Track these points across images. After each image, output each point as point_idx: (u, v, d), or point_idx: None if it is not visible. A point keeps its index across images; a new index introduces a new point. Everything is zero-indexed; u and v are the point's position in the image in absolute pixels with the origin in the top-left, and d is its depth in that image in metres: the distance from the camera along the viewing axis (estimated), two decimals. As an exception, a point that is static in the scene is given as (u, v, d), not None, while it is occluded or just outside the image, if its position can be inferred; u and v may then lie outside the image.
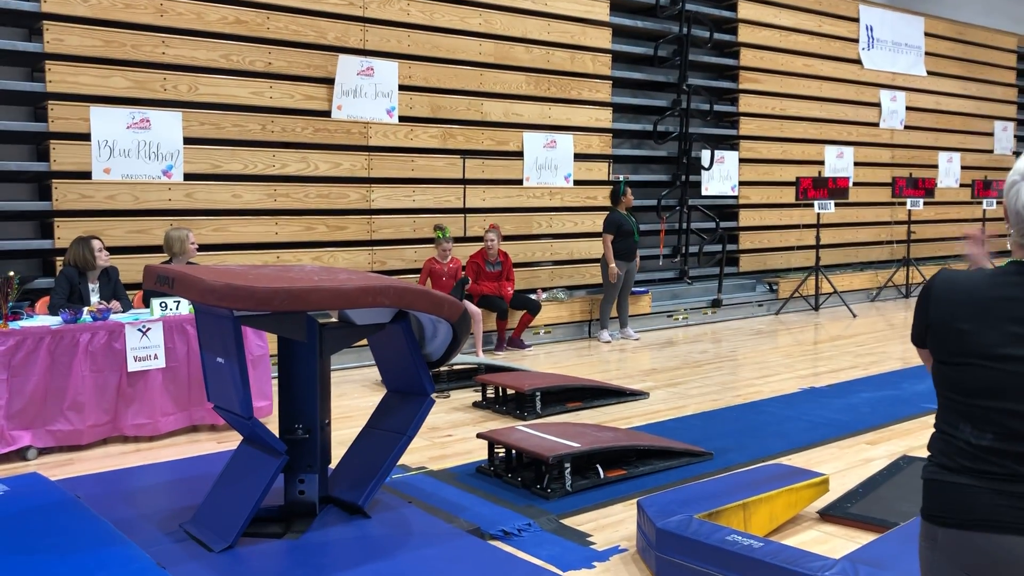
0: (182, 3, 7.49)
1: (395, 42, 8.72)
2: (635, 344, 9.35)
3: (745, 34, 11.87)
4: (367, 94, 8.52)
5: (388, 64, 8.62)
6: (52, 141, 6.97)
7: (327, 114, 8.34)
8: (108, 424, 5.50)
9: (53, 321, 5.41)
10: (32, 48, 6.98)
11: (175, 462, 4.98)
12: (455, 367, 7.28)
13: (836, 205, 11.83)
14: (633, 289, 9.86)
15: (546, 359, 8.47)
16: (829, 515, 4.21)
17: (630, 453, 4.99)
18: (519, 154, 9.65)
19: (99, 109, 7.11)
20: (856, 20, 13.32)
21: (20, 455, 5.17)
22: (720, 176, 11.48)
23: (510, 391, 6.41)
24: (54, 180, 6.99)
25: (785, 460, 5.00)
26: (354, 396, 6.82)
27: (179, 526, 3.83)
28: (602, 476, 4.73)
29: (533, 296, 9.24)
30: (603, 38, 10.35)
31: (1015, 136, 16.20)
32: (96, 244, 6.06)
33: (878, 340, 9.56)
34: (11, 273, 5.35)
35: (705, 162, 11.22)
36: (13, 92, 6.98)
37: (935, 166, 14.57)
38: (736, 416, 6.19)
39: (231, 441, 5.40)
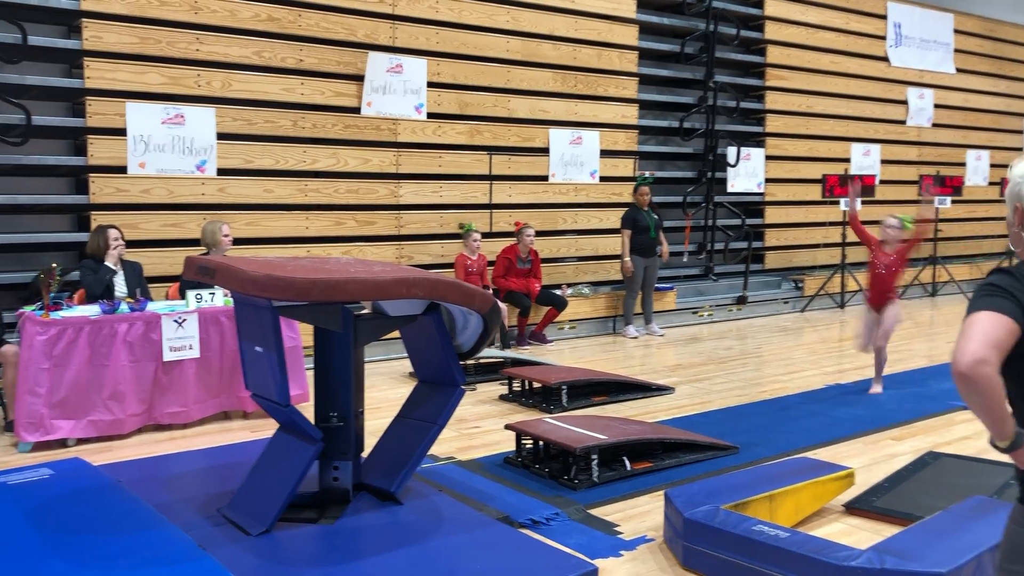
0: (216, 0, 7.62)
1: (424, 39, 8.81)
2: (660, 340, 9.39)
3: (772, 31, 11.87)
4: (396, 91, 8.62)
5: (417, 61, 8.72)
6: (89, 136, 7.12)
7: (357, 111, 8.45)
8: (145, 413, 5.63)
9: (92, 312, 5.54)
10: (71, 45, 7.13)
11: (211, 449, 5.10)
12: (481, 360, 7.37)
13: (862, 203, 11.79)
14: (658, 285, 9.90)
15: (571, 354, 8.53)
16: (855, 508, 4.25)
17: (656, 446, 5.05)
18: (545, 150, 9.71)
19: (135, 105, 7.26)
20: (884, 17, 13.27)
21: (61, 443, 5.31)
22: (746, 173, 11.49)
23: (537, 384, 6.48)
24: (91, 174, 7.14)
25: (810, 454, 5.04)
26: (383, 387, 6.93)
27: (217, 510, 3.94)
28: (629, 468, 4.79)
29: (558, 292, 9.31)
30: (630, 35, 10.39)
31: (1045, 134, 16.05)
32: (112, 233, 6.18)
33: (903, 338, 9.54)
34: (54, 265, 5.50)
35: (731, 159, 11.24)
36: (52, 88, 7.14)
37: (963, 164, 14.47)
38: (761, 411, 6.23)
39: (264, 429, 5.52)
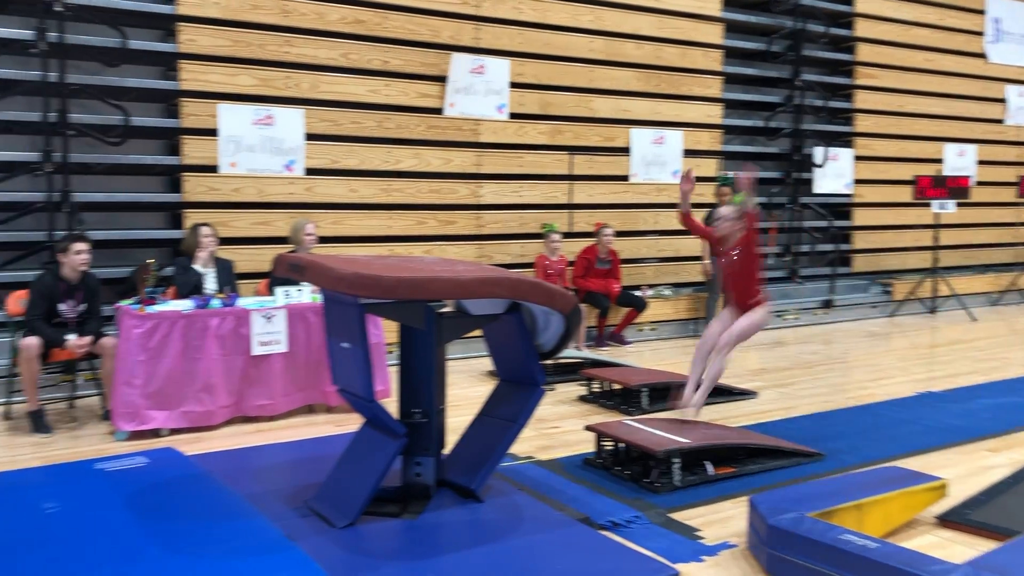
0: (305, 4, 7.79)
1: (507, 40, 8.84)
2: (743, 343, 9.21)
3: (862, 28, 11.54)
4: (479, 91, 8.68)
5: (500, 62, 8.76)
6: (183, 136, 7.36)
7: (439, 111, 8.54)
8: (233, 405, 5.80)
9: (185, 306, 5.73)
10: (167, 48, 7.38)
11: (297, 442, 5.22)
12: (560, 361, 7.36)
13: (957, 205, 11.38)
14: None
15: (651, 356, 8.45)
16: (948, 521, 4.10)
17: (739, 451, 4.97)
18: (626, 150, 9.65)
19: (227, 106, 7.47)
20: (982, 12, 12.76)
21: (154, 432, 5.50)
22: (833, 174, 11.20)
23: (617, 386, 6.44)
24: (184, 173, 7.38)
25: (900, 464, 4.88)
26: (463, 385, 6.98)
27: (304, 502, 4.03)
28: (711, 473, 4.72)
29: (638, 293, 9.23)
30: (715, 33, 10.24)
31: None
32: (204, 230, 6.39)
33: (1000, 345, 9.18)
34: (149, 260, 5.70)
35: (818, 159, 10.97)
36: (149, 90, 7.40)
37: (1066, 165, 13.82)
38: (848, 418, 6.07)
39: (347, 423, 5.62)
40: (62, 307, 5.73)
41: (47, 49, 6.69)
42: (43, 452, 5.19)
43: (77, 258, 5.72)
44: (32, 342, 5.49)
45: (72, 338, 5.60)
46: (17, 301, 5.92)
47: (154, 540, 3.48)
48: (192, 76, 7.37)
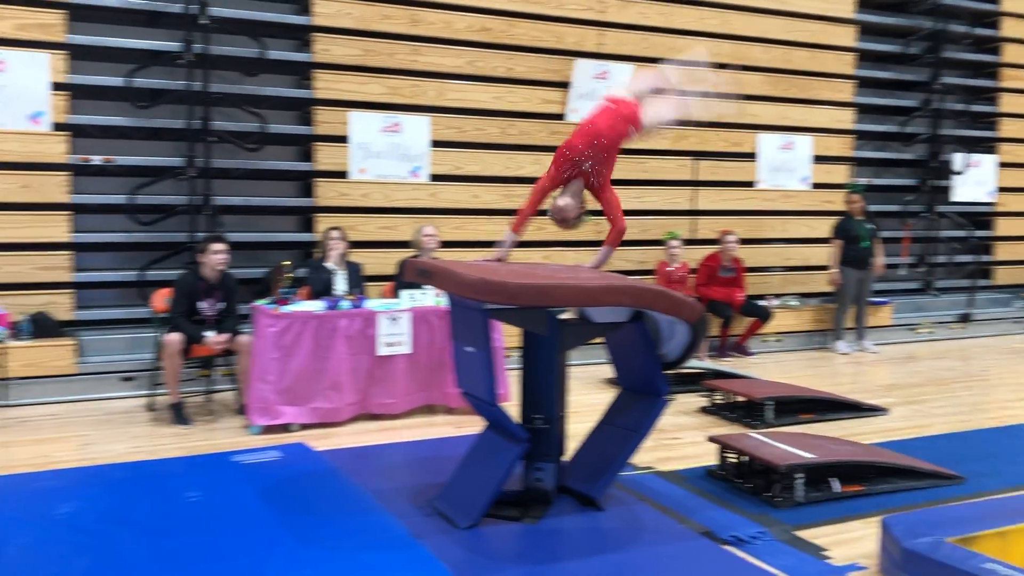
0: (433, 12, 7.96)
1: (632, 45, 8.79)
2: (873, 357, 8.88)
3: (1009, 28, 10.92)
4: (601, 97, 8.63)
5: (624, 67, 8.71)
6: (316, 143, 7.64)
7: (562, 117, 8.56)
8: (359, 402, 5.98)
9: (316, 307, 5.94)
10: (302, 58, 7.67)
11: (420, 442, 5.33)
12: (682, 370, 7.25)
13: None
14: (871, 299, 9.37)
15: (775, 368, 8.23)
16: (1103, 554, 3.83)
17: (868, 469, 4.78)
18: (753, 156, 9.43)
19: (357, 114, 7.71)
20: None
21: (285, 427, 5.73)
22: (974, 181, 10.64)
23: (740, 398, 6.31)
24: (316, 179, 7.66)
25: (1048, 491, 4.59)
26: (582, 392, 6.96)
27: (428, 502, 4.12)
28: (837, 490, 4.56)
29: (763, 303, 9.01)
30: (847, 36, 9.90)
31: None
32: (334, 233, 6.63)
33: None
34: (284, 262, 5.94)
35: (957, 166, 10.44)
36: (285, 98, 7.72)
37: None
38: (989, 439, 5.75)
39: (466, 425, 5.70)
40: (202, 305, 6.04)
41: (192, 60, 7.07)
42: (183, 443, 5.48)
43: (216, 258, 6.02)
44: (175, 338, 5.80)
45: (211, 335, 5.89)
46: (162, 299, 6.28)
47: (288, 532, 3.62)
48: (325, 85, 7.63)
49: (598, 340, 4.60)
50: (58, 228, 6.73)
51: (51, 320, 6.56)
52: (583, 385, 7.27)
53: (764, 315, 8.74)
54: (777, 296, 9.36)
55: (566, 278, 3.94)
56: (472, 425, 5.36)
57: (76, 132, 6.85)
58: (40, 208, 6.69)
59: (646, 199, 8.93)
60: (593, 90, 8.60)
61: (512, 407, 4.35)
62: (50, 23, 6.66)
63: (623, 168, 8.71)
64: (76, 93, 6.85)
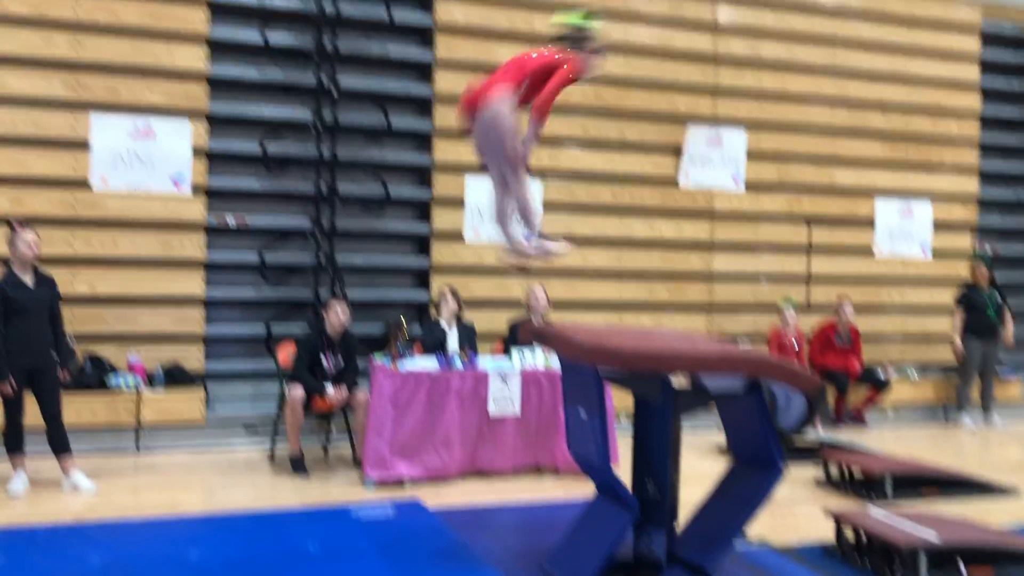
0: (549, 82, 8.18)
1: (745, 111, 8.82)
2: (1001, 433, 8.45)
3: None
4: (714, 162, 8.69)
5: (736, 133, 8.74)
6: (435, 206, 7.91)
7: (674, 182, 8.62)
8: (468, 460, 6.08)
9: (430, 365, 6.11)
10: (423, 126, 8.00)
11: (531, 506, 5.36)
12: (796, 440, 7.09)
13: None
14: (1000, 372, 8.96)
15: (893, 441, 7.93)
16: None
17: (1000, 553, 4.55)
18: (870, 222, 9.25)
19: (473, 178, 7.96)
20: None
21: (397, 483, 5.86)
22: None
23: (857, 471, 6.11)
24: (434, 240, 7.91)
25: None
26: (694, 460, 6.87)
27: (538, 564, 4.14)
28: (964, 574, 4.36)
29: (880, 373, 8.73)
30: (971, 101, 9.66)
31: None
32: (447, 293, 6.86)
33: None
34: (402, 319, 6.16)
35: (1092, 234, 9.96)
36: (405, 164, 8.04)
37: None
38: None
39: (574, 488, 5.71)
40: (323, 361, 6.29)
41: (322, 128, 7.47)
42: (301, 493, 5.68)
43: (336, 317, 6.28)
44: (297, 392, 6.06)
45: (331, 390, 6.13)
46: (286, 354, 6.57)
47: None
48: (444, 152, 7.93)
49: (712, 407, 4.58)
50: (193, 284, 7.16)
51: (183, 371, 6.95)
52: (696, 452, 7.18)
53: (882, 385, 8.47)
54: (895, 366, 9.06)
55: (681, 345, 3.97)
56: (581, 488, 5.37)
57: (213, 195, 7.32)
58: (177, 265, 7.14)
59: (759, 264, 8.85)
60: (706, 155, 8.66)
61: (623, 472, 4.36)
62: (194, 94, 7.18)
63: (735, 234, 8.72)
64: (214, 158, 7.33)
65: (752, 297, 8.83)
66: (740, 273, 8.82)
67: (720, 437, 6.75)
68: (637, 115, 8.49)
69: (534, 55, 4.33)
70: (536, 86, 4.24)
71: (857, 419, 8.50)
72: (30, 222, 5.71)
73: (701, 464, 6.71)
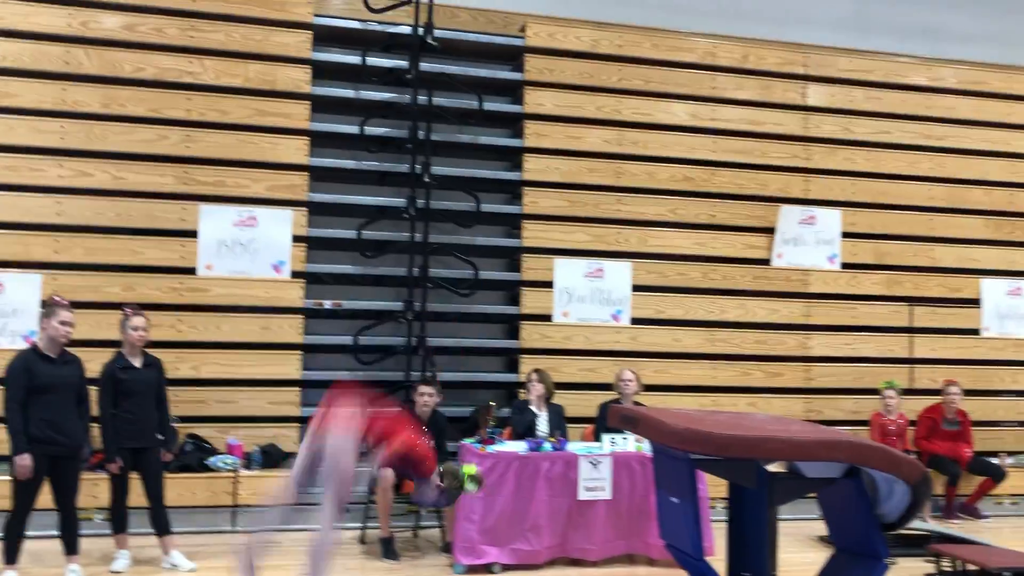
0: (637, 165, 8.27)
1: (839, 190, 8.70)
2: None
3: None
4: (808, 242, 8.55)
5: (831, 212, 8.61)
6: (523, 288, 7.99)
7: (766, 262, 8.51)
8: (557, 546, 5.97)
9: (520, 448, 6.08)
10: (512, 210, 8.15)
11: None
12: (903, 531, 6.71)
13: None
14: None
15: (1012, 534, 7.44)
16: None
17: None
18: (976, 302, 8.90)
19: (562, 260, 8.03)
20: None
21: (486, 568, 5.79)
22: None
23: (972, 567, 5.73)
24: (522, 322, 7.96)
25: None
26: (791, 549, 6.59)
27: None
28: None
29: (995, 460, 8.26)
30: (1079, 175, 9.31)
31: None
32: (534, 377, 6.80)
33: None
34: (492, 403, 6.18)
35: None
36: (495, 247, 8.18)
37: None
38: None
39: (670, 580, 5.54)
40: (414, 443, 6.32)
41: (415, 214, 7.69)
42: (391, 577, 5.66)
43: (423, 399, 6.34)
44: (388, 473, 6.09)
45: (421, 472, 6.14)
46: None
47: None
48: (533, 234, 8.04)
49: (811, 495, 4.41)
50: (290, 366, 7.36)
51: (280, 451, 7.09)
52: (794, 542, 6.89)
53: (998, 475, 8.01)
54: (1011, 454, 8.56)
55: (776, 430, 3.86)
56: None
57: (311, 279, 7.57)
58: (276, 348, 7.36)
59: (858, 346, 8.59)
60: (799, 235, 8.54)
61: (718, 562, 4.21)
62: (296, 183, 7.51)
63: (831, 315, 8.50)
64: (312, 244, 7.61)
65: (852, 380, 8.53)
66: (839, 355, 8.56)
67: (821, 526, 6.47)
68: (727, 195, 8.46)
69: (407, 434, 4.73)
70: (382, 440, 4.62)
71: (970, 511, 8.03)
72: (141, 307, 6.00)
73: (803, 555, 6.43)
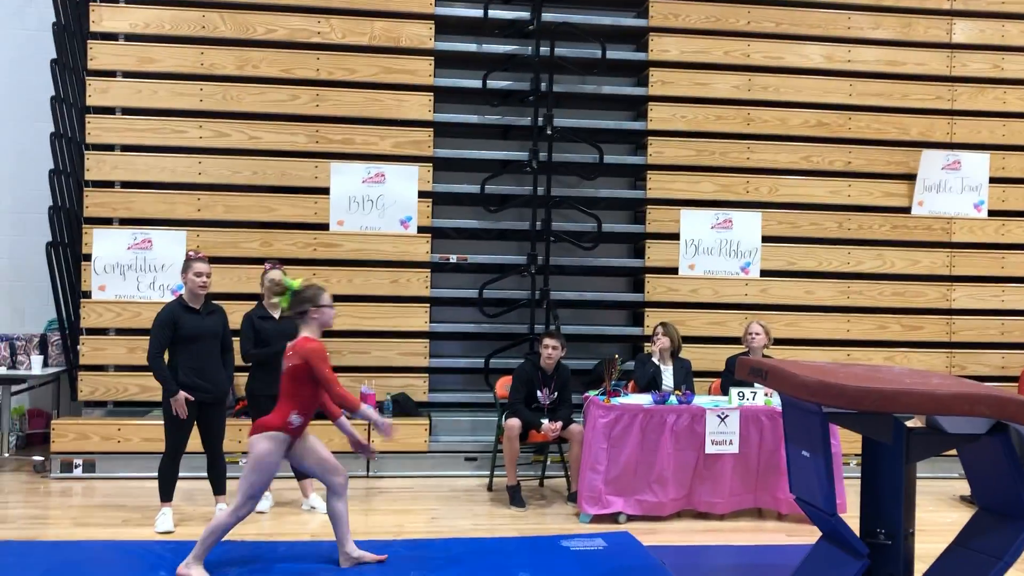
0: (768, 111, 7.97)
1: (987, 133, 8.14)
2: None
3: None
4: (952, 188, 8.07)
5: (978, 156, 8.08)
6: (647, 240, 7.88)
7: (906, 210, 8.09)
8: (684, 498, 5.95)
9: (644, 400, 6.05)
10: (636, 161, 8.03)
11: (749, 547, 5.17)
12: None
13: None
14: None
15: None
16: None
17: None
18: None
19: (688, 211, 7.87)
20: None
21: (612, 518, 5.84)
22: None
23: None
24: (647, 275, 7.88)
25: None
26: (930, 508, 6.35)
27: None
28: None
29: None
30: None
31: None
32: (659, 330, 6.75)
33: None
34: (616, 356, 6.16)
35: None
36: (618, 199, 8.09)
37: None
38: None
39: (799, 533, 5.44)
40: (539, 394, 6.40)
41: (537, 167, 7.68)
42: (517, 524, 5.79)
43: (547, 351, 6.38)
44: (514, 423, 6.20)
45: (546, 422, 6.22)
46: (503, 386, 6.75)
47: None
48: (657, 185, 7.90)
49: (951, 452, 4.22)
50: (418, 319, 7.54)
51: (410, 401, 7.32)
52: (933, 501, 6.64)
53: None
54: None
55: (913, 383, 3.70)
56: (806, 534, 5.11)
57: (436, 234, 7.70)
58: (404, 300, 7.56)
59: (1007, 298, 8.09)
60: (943, 181, 8.08)
61: (851, 519, 4.10)
62: (421, 139, 7.62)
63: (977, 265, 8.04)
64: (438, 199, 7.72)
65: (999, 334, 8.07)
66: (984, 308, 8.10)
67: (963, 485, 6.21)
68: (864, 141, 8.07)
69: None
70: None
71: None
72: (280, 262, 6.24)
73: (943, 514, 6.19)
